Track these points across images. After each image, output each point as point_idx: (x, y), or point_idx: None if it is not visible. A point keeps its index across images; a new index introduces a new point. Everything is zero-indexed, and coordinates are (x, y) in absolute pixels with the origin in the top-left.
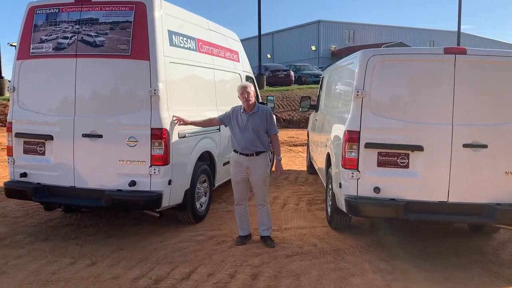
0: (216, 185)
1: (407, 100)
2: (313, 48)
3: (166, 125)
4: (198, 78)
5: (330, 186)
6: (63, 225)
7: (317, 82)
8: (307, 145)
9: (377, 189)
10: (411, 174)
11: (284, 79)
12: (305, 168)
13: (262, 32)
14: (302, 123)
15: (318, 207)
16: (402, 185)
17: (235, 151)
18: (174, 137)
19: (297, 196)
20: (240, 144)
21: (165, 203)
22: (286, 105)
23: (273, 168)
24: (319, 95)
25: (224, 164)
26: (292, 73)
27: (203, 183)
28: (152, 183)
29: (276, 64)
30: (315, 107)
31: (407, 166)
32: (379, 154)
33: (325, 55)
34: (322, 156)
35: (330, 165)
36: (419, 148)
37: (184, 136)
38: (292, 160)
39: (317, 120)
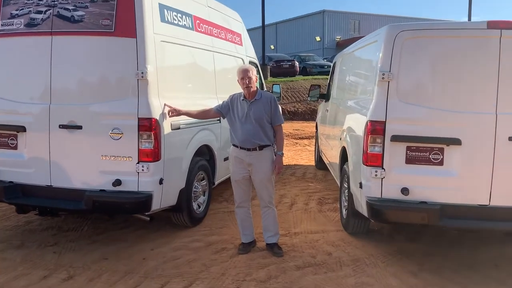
0: (217, 182)
1: (442, 85)
2: (318, 38)
3: (156, 114)
4: (195, 61)
5: (345, 185)
6: (43, 229)
7: (322, 73)
8: (316, 138)
9: (405, 191)
10: (446, 173)
11: (288, 70)
12: (312, 163)
13: (266, 22)
14: (307, 115)
15: (330, 207)
16: (435, 186)
17: (234, 145)
18: (166, 129)
19: (306, 194)
20: (240, 137)
21: (156, 205)
22: (291, 96)
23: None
24: (329, 83)
25: (225, 159)
26: (296, 63)
27: (201, 181)
28: (140, 182)
29: (280, 54)
30: (325, 97)
31: (441, 163)
32: (408, 149)
33: (329, 46)
34: (335, 150)
35: (346, 161)
36: (456, 142)
37: (178, 128)
38: (299, 154)
39: (328, 110)
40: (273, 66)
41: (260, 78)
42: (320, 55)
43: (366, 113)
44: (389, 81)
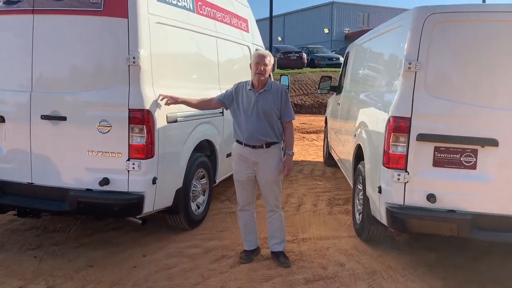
0: (218, 180)
1: (477, 77)
2: (326, 31)
3: (150, 105)
4: (196, 47)
5: (359, 187)
6: (26, 228)
7: (331, 66)
8: (325, 133)
9: (432, 197)
10: (479, 178)
11: (296, 62)
12: (321, 159)
13: (274, 13)
14: (315, 108)
15: (341, 209)
16: (466, 193)
17: (238, 141)
18: (161, 122)
19: (314, 194)
20: (245, 133)
21: (148, 207)
22: (298, 89)
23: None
24: (341, 75)
25: (228, 155)
26: (304, 55)
27: (201, 179)
28: (131, 181)
29: (287, 45)
30: (337, 89)
31: (474, 167)
32: (436, 149)
33: (338, 38)
34: (348, 147)
35: (360, 160)
36: (492, 143)
37: (175, 121)
38: (306, 150)
39: (339, 104)
40: (281, 58)
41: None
42: (328, 48)
43: (388, 108)
44: (416, 72)
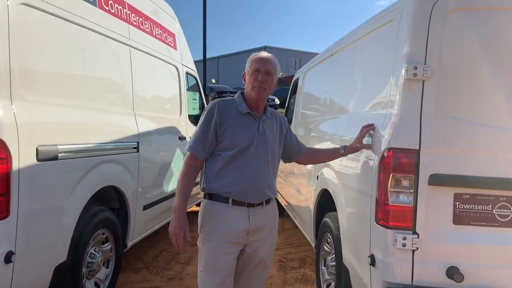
0: (131, 243)
1: None
2: None
3: (6, 130)
4: (95, 52)
5: (327, 248)
6: None
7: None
8: None
9: (455, 273)
10: None
11: None
12: None
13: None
14: None
15: (297, 275)
16: (504, 264)
17: (218, 197)
18: (26, 159)
19: None
20: (242, 180)
21: None
22: None
23: None
24: (287, 107)
25: (147, 207)
26: None
27: (103, 244)
28: None
29: (222, 85)
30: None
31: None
32: (458, 198)
33: None
34: (306, 192)
35: (328, 210)
36: None
37: (55, 158)
38: None
39: None
40: (215, 97)
41: (201, 99)
42: None
43: (379, 137)
44: (424, 80)
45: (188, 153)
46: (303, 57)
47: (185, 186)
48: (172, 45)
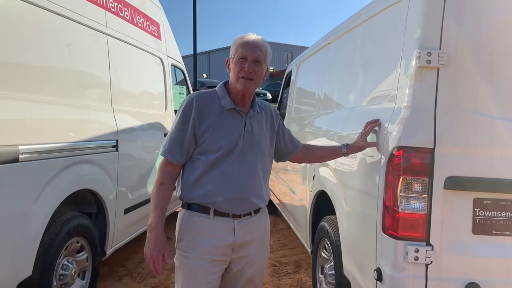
0: (111, 251)
1: None
2: None
3: None
4: (67, 41)
5: (325, 255)
6: None
7: None
8: None
9: None
10: None
11: None
12: None
13: (199, 50)
14: None
15: (292, 282)
16: None
17: (198, 208)
18: None
19: None
20: (227, 189)
21: None
22: None
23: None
24: (280, 101)
25: (128, 210)
26: None
27: (77, 253)
28: None
29: (213, 80)
30: None
31: None
32: (478, 204)
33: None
34: (300, 192)
35: (325, 213)
36: None
37: (15, 160)
38: None
39: None
40: None
41: (188, 93)
42: None
43: (386, 134)
44: (439, 68)
45: (163, 158)
46: (295, 51)
47: (162, 199)
48: (156, 34)
